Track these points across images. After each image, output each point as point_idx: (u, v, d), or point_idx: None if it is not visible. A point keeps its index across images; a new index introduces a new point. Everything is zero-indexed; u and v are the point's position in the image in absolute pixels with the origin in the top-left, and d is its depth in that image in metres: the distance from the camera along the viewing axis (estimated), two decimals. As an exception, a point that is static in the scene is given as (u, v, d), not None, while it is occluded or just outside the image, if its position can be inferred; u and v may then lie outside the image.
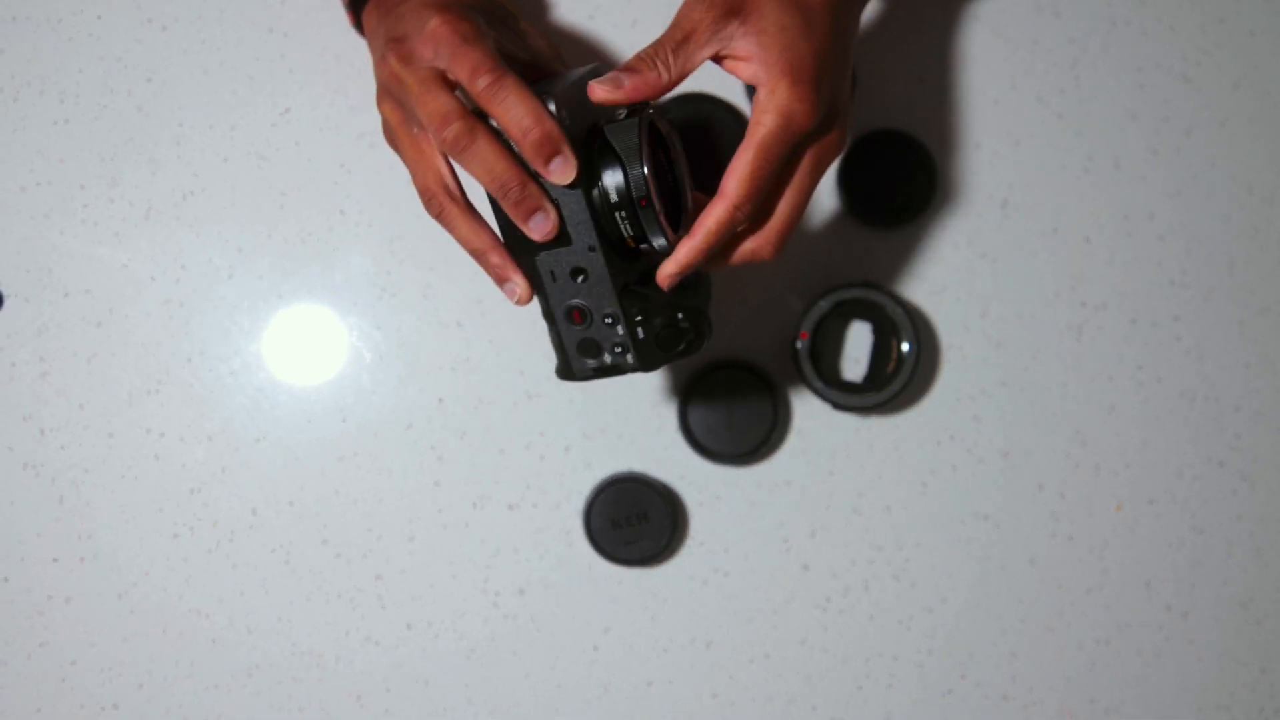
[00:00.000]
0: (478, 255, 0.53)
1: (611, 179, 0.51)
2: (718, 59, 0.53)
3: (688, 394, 0.71)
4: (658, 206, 0.51)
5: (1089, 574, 0.73)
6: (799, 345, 0.69)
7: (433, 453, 0.71)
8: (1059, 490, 0.73)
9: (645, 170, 0.51)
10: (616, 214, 0.51)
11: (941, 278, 0.73)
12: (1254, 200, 0.74)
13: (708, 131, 0.72)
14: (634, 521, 0.70)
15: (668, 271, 0.53)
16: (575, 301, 0.53)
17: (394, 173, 0.72)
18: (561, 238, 0.52)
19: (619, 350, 0.54)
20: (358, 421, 0.71)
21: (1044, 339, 0.73)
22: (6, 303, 0.71)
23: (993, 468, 0.73)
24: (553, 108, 0.49)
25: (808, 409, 0.72)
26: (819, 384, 0.69)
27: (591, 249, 0.52)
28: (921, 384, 0.72)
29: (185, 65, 0.72)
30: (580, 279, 0.53)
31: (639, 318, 0.53)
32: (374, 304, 0.72)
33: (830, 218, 0.73)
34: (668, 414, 0.72)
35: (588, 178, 0.51)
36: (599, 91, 0.50)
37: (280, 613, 0.71)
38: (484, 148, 0.50)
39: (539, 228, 0.51)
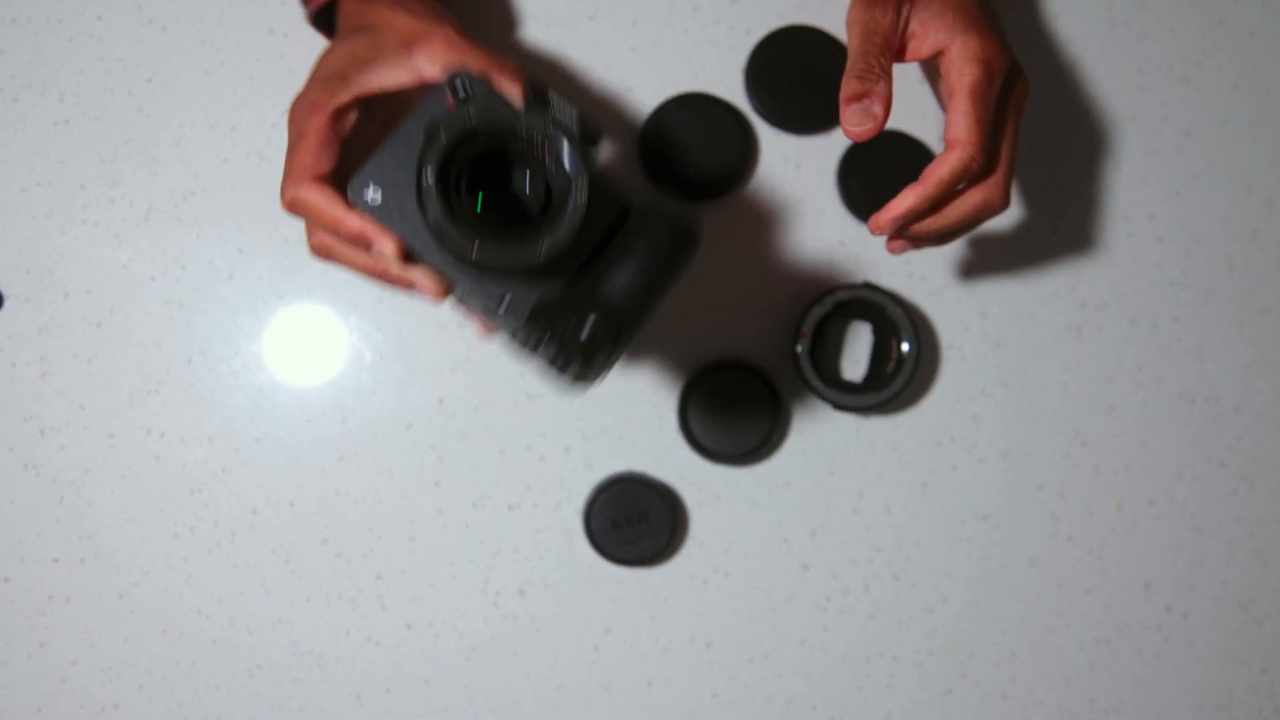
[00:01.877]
0: (375, 277, 0.53)
1: (431, 214, 0.48)
2: (899, 57, 0.55)
3: (688, 394, 0.71)
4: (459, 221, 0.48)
5: (1089, 574, 0.73)
6: (799, 345, 0.69)
7: (433, 453, 0.71)
8: (1059, 491, 0.73)
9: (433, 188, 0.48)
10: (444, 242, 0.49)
11: (941, 278, 0.73)
12: (1254, 201, 0.74)
13: (707, 133, 0.72)
14: (634, 522, 0.70)
15: (887, 218, 0.53)
16: (512, 334, 0.53)
17: (394, 173, 0.72)
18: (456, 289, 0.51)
19: (561, 365, 0.51)
20: (358, 422, 0.71)
21: (1044, 339, 0.73)
22: (7, 303, 0.71)
23: (992, 468, 0.73)
24: (358, 196, 0.50)
25: (808, 409, 0.72)
26: (819, 384, 0.69)
27: (468, 295, 0.51)
28: (921, 384, 0.72)
29: (186, 66, 0.72)
30: (501, 309, 0.51)
31: (546, 339, 0.49)
32: (374, 304, 0.72)
33: (830, 218, 0.73)
34: (668, 414, 0.72)
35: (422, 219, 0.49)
36: (856, 133, 0.53)
37: (280, 613, 0.71)
38: (339, 256, 0.53)
39: (425, 295, 0.52)
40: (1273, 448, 0.73)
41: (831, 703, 0.72)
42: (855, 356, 0.73)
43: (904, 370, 0.69)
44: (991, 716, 0.72)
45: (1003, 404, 0.73)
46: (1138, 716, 0.72)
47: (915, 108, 0.72)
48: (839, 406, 0.70)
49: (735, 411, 0.70)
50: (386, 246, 0.50)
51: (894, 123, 0.72)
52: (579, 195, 0.48)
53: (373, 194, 0.50)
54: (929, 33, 0.54)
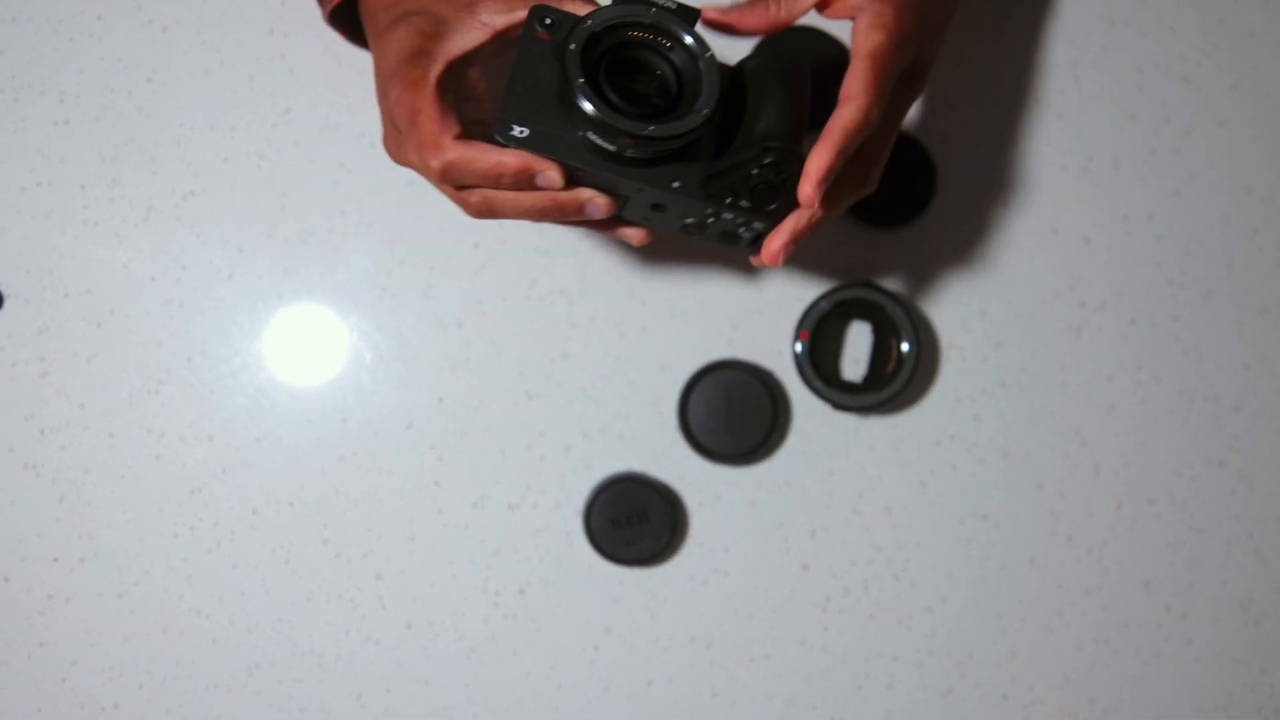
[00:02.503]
0: (544, 213, 0.53)
1: (582, 113, 0.50)
2: (820, 6, 0.54)
3: (688, 394, 0.71)
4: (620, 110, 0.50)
5: (1088, 574, 0.73)
6: (799, 345, 0.69)
7: (433, 453, 0.71)
8: (1058, 490, 0.73)
9: (584, 96, 0.49)
10: (607, 139, 0.50)
11: (941, 278, 0.73)
12: (1253, 200, 0.74)
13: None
14: (634, 521, 0.70)
15: (814, 183, 0.51)
16: (685, 222, 0.55)
17: (394, 173, 0.72)
18: (619, 198, 0.53)
19: (743, 226, 0.54)
20: (358, 421, 0.71)
21: (1043, 339, 0.73)
22: (7, 303, 0.71)
23: (992, 468, 0.73)
24: (506, 135, 0.50)
25: (807, 409, 0.72)
26: (819, 384, 0.69)
27: (640, 189, 0.52)
28: (921, 384, 0.72)
29: (186, 66, 0.72)
30: (662, 210, 0.53)
31: (730, 199, 0.52)
32: (374, 304, 0.72)
33: (830, 218, 0.73)
34: (668, 414, 0.72)
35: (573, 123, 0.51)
36: (712, 13, 0.53)
37: (280, 613, 0.71)
38: (503, 205, 0.53)
39: (596, 212, 0.53)
40: (1272, 447, 0.73)
41: (831, 702, 0.72)
42: (855, 356, 0.73)
43: (904, 370, 0.69)
44: (991, 716, 0.72)
45: (1002, 403, 0.73)
46: (1137, 716, 0.72)
47: (917, 107, 0.72)
48: (839, 406, 0.70)
49: (735, 411, 0.70)
50: (552, 171, 0.51)
51: (894, 122, 0.72)
52: (710, 63, 0.51)
53: (519, 130, 0.50)
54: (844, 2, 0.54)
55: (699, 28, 0.53)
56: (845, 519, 0.72)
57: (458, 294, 0.71)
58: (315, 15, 0.72)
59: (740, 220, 0.54)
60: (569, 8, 0.53)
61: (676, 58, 0.51)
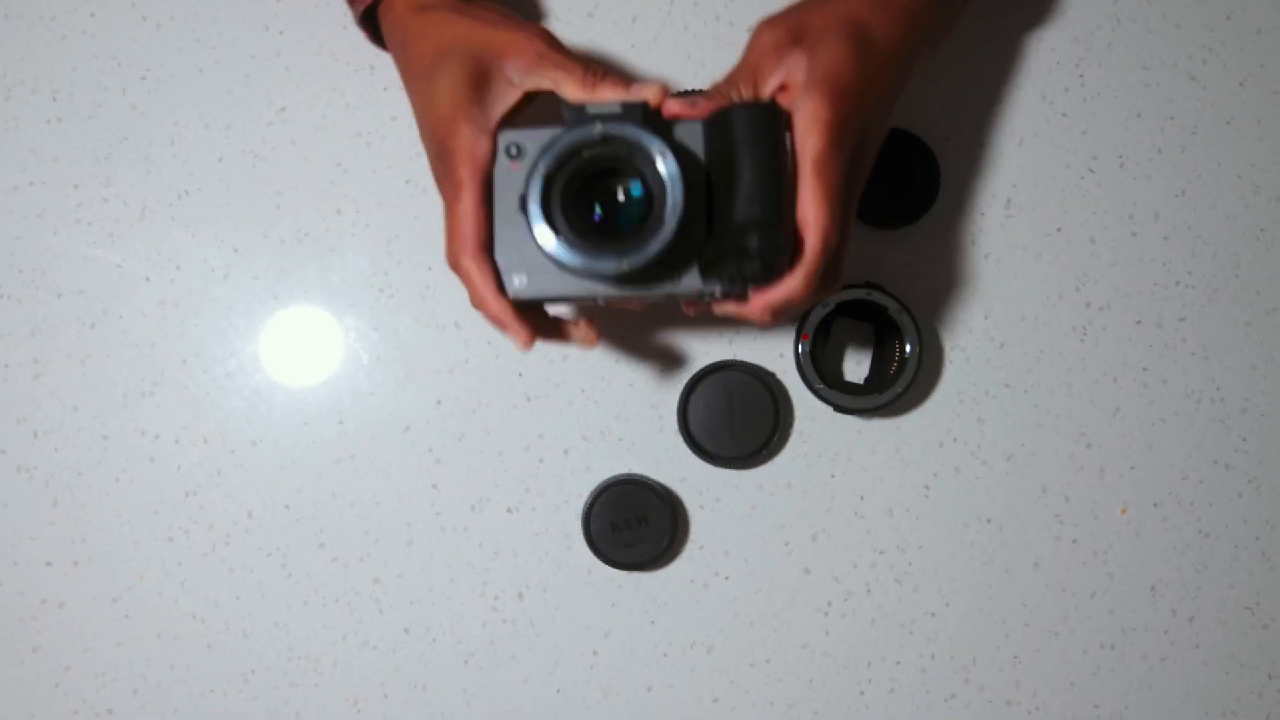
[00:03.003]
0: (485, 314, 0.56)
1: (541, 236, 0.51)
2: (782, 89, 0.54)
3: (688, 396, 0.70)
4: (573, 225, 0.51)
5: (1093, 577, 0.72)
6: (800, 346, 0.68)
7: (431, 455, 0.71)
8: (1063, 493, 0.72)
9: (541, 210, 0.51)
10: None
11: (944, 279, 0.72)
12: (1260, 199, 0.74)
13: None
14: (634, 525, 0.69)
15: (760, 309, 0.53)
16: (684, 301, 0.56)
17: (391, 172, 0.71)
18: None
19: (743, 288, 0.54)
20: (355, 424, 0.71)
21: (1048, 340, 0.73)
22: (-1, 304, 0.70)
23: (996, 470, 0.72)
24: (507, 289, 0.53)
25: (809, 411, 0.72)
26: (820, 386, 0.68)
27: (643, 296, 0.54)
28: (924, 386, 0.72)
29: (180, 63, 0.72)
30: (679, 289, 0.53)
31: (726, 282, 0.52)
32: (371, 305, 0.71)
33: (832, 218, 0.72)
34: (668, 416, 0.71)
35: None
36: (674, 106, 0.53)
37: (277, 617, 0.70)
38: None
39: (581, 345, 0.59)
40: (1279, 449, 0.73)
41: (833, 708, 0.71)
42: (857, 358, 0.72)
43: (906, 372, 0.68)
44: (995, 721, 0.72)
45: (1006, 405, 0.72)
46: (1143, 721, 0.72)
47: (915, 107, 0.72)
48: (840, 408, 0.69)
49: (736, 413, 0.70)
50: (518, 339, 0.54)
51: (897, 122, 0.72)
52: (669, 163, 0.50)
53: (519, 283, 0.53)
54: (793, 87, 0.54)
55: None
56: (847, 522, 0.72)
57: (456, 295, 0.71)
58: (312, 13, 0.72)
59: (739, 287, 0.54)
60: (544, 85, 0.54)
61: (638, 162, 0.51)
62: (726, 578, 0.71)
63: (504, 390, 0.71)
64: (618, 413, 0.71)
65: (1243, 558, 0.72)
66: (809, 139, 0.51)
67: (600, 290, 0.53)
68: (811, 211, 0.51)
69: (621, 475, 0.70)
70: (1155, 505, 0.72)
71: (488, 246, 0.53)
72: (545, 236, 0.50)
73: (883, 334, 0.70)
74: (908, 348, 0.68)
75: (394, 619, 0.70)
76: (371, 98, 0.71)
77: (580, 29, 0.73)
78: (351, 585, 0.71)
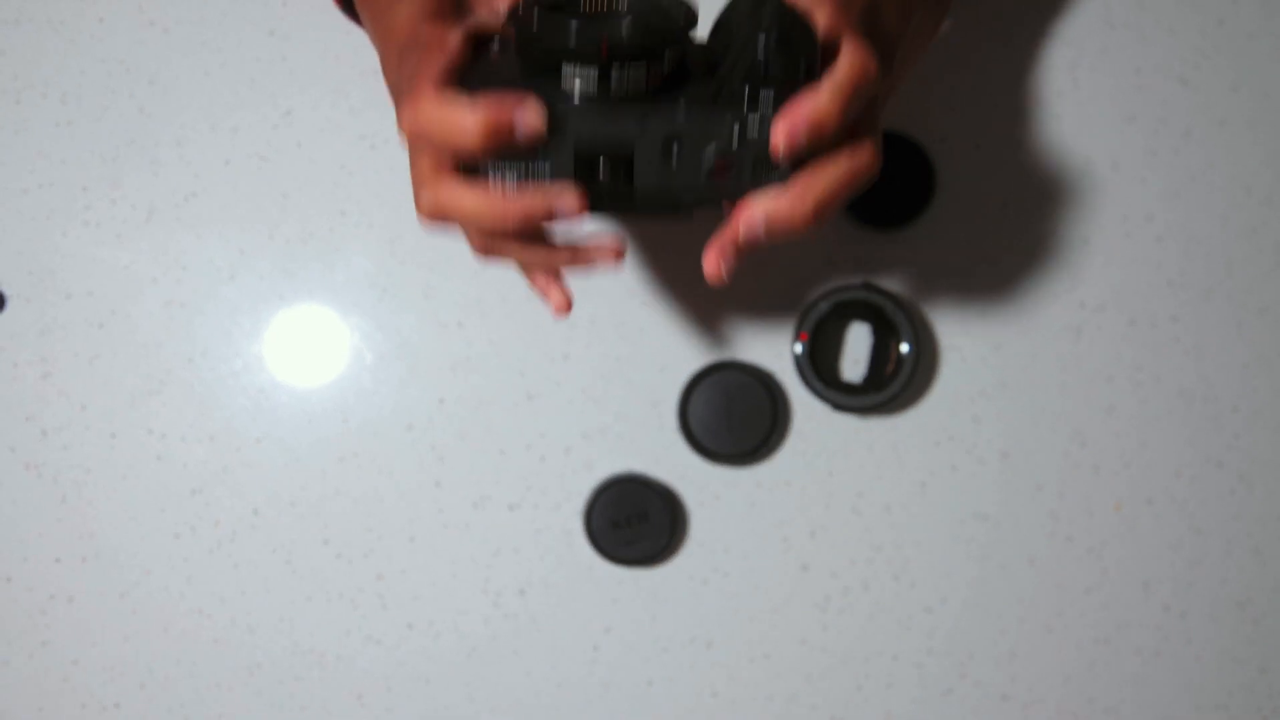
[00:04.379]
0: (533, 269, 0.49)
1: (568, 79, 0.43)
2: None
3: (688, 394, 0.71)
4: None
5: (1088, 574, 0.73)
6: (798, 346, 0.69)
7: (433, 453, 0.71)
8: (1058, 490, 0.73)
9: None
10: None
11: (940, 279, 0.73)
12: (1252, 201, 0.74)
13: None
14: (634, 522, 0.70)
15: (786, 128, 0.43)
16: (712, 158, 0.46)
17: (395, 174, 0.72)
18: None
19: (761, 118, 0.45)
20: (359, 422, 0.72)
21: (1043, 340, 0.73)
22: (9, 304, 0.71)
23: (992, 468, 0.73)
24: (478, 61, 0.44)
25: (807, 410, 0.72)
26: (818, 385, 0.69)
27: (645, 119, 0.44)
28: (921, 385, 0.72)
29: (187, 67, 0.72)
30: (679, 153, 0.45)
31: (747, 92, 0.44)
32: (375, 305, 0.72)
33: (830, 219, 0.73)
34: (668, 414, 0.72)
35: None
36: None
37: (282, 612, 0.71)
38: (509, 252, 0.48)
39: (568, 209, 0.46)
40: (1271, 447, 0.74)
41: (831, 702, 0.72)
42: (855, 357, 0.73)
43: (903, 371, 0.69)
44: (991, 716, 0.72)
45: (1002, 404, 0.73)
46: (1137, 716, 0.73)
47: (911, 109, 0.72)
48: (838, 407, 0.70)
49: (735, 411, 0.71)
50: (566, 205, 0.44)
51: (893, 124, 0.72)
52: None
53: (496, 47, 0.45)
54: None
55: None
56: (845, 519, 0.72)
57: (458, 294, 0.72)
58: (317, 17, 0.72)
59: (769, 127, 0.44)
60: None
61: None
62: (726, 574, 0.72)
63: (506, 389, 0.72)
64: (618, 411, 0.72)
65: (1235, 554, 0.73)
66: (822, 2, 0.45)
67: (587, 110, 0.44)
68: (838, 27, 0.45)
69: (622, 473, 0.71)
70: (1149, 502, 0.73)
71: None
72: (535, 9, 0.42)
73: (880, 334, 0.71)
74: (904, 347, 0.69)
75: (397, 614, 0.71)
76: (376, 101, 0.72)
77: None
78: (355, 581, 0.71)
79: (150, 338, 0.71)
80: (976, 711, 0.72)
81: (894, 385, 0.69)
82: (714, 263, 0.48)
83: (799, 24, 0.43)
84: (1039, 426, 0.73)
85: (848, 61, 0.44)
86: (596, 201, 0.46)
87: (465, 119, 0.42)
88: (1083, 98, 0.74)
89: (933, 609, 0.72)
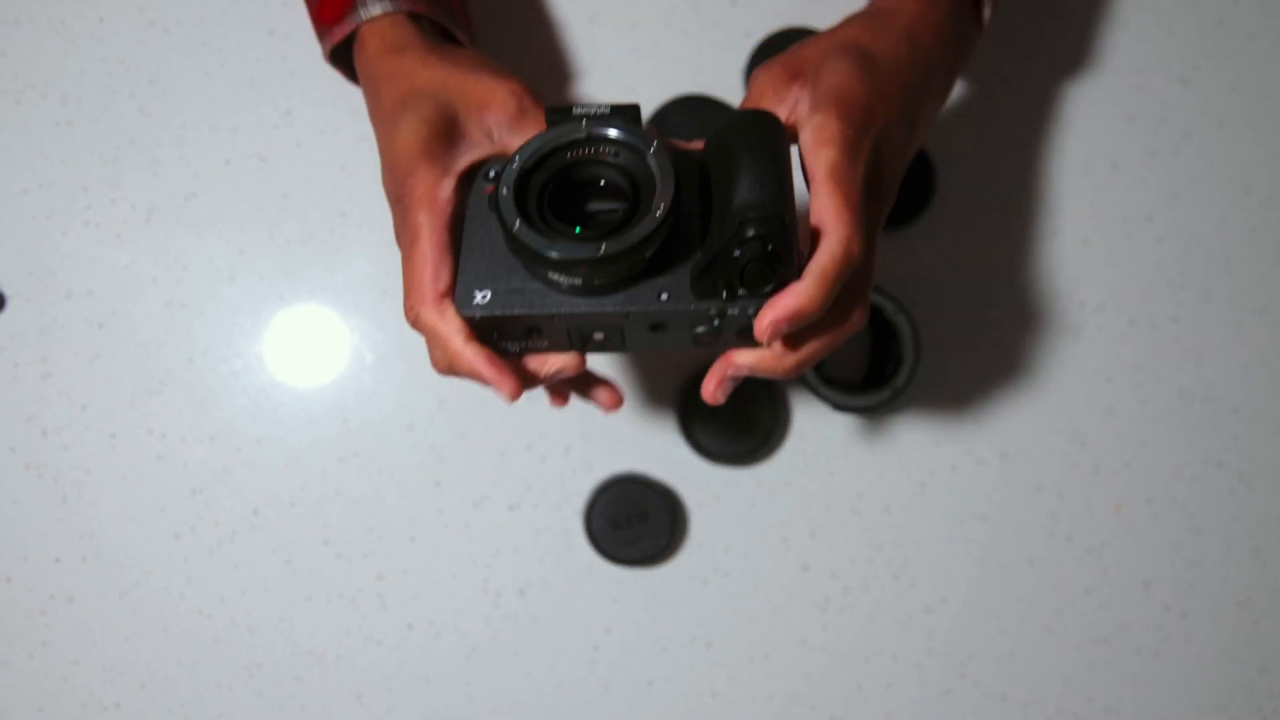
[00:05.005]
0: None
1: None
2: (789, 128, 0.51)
3: (688, 395, 0.71)
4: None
5: (1087, 574, 0.73)
6: (798, 346, 0.69)
7: (434, 453, 0.72)
8: (1058, 490, 0.73)
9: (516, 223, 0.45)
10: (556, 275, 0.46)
11: (940, 279, 0.73)
12: (1252, 201, 0.74)
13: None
14: (634, 522, 0.70)
15: (769, 324, 0.46)
16: (695, 333, 0.48)
17: (395, 174, 0.72)
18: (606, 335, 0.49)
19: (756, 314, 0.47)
20: (359, 422, 0.72)
21: (1043, 340, 0.73)
22: (9, 304, 0.71)
23: (991, 468, 0.73)
24: (469, 305, 0.47)
25: (807, 410, 0.72)
26: (818, 385, 0.69)
27: (628, 315, 0.47)
28: (920, 385, 0.73)
29: (187, 67, 0.73)
30: (664, 329, 0.48)
31: (725, 291, 0.46)
32: (376, 305, 0.72)
33: (830, 219, 0.73)
34: (668, 415, 0.72)
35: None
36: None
37: (282, 612, 0.71)
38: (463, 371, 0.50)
39: (566, 374, 0.51)
40: (1270, 447, 0.74)
41: (831, 702, 0.72)
42: (854, 357, 0.73)
43: (903, 371, 0.69)
44: (991, 716, 0.72)
45: (1002, 404, 0.73)
46: (1136, 716, 0.73)
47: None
48: (838, 407, 0.70)
49: (735, 412, 0.71)
50: (502, 388, 0.48)
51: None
52: (659, 156, 0.45)
53: (480, 297, 0.47)
54: (797, 119, 0.50)
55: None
56: (845, 519, 0.72)
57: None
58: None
59: (752, 309, 0.47)
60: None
61: (624, 160, 0.46)
62: (726, 574, 0.72)
63: (506, 389, 0.72)
64: (618, 412, 0.72)
65: (1234, 554, 0.73)
66: (820, 152, 0.47)
67: (575, 308, 0.46)
68: (829, 215, 0.46)
69: (622, 473, 0.71)
70: (1148, 502, 0.73)
71: (450, 294, 0.47)
72: (517, 223, 0.45)
73: (880, 334, 0.71)
74: (904, 347, 0.69)
75: (398, 614, 0.71)
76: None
77: (581, 33, 0.73)
78: (355, 581, 0.71)
79: (150, 338, 0.71)
80: (976, 711, 0.72)
81: (894, 385, 0.69)
82: (712, 393, 0.52)
83: (780, 233, 0.44)
84: (1039, 426, 0.73)
85: (831, 250, 0.45)
86: (591, 350, 0.50)
87: (458, 349, 0.47)
88: (1082, 98, 0.74)
89: (933, 609, 0.72)
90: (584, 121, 0.46)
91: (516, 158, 0.46)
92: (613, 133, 0.46)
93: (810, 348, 0.48)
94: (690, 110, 0.72)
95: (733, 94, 0.73)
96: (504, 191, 0.45)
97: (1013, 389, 0.73)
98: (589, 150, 0.47)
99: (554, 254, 0.44)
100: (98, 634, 0.71)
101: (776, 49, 0.73)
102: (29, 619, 0.71)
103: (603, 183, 0.47)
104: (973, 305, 0.73)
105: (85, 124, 0.72)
